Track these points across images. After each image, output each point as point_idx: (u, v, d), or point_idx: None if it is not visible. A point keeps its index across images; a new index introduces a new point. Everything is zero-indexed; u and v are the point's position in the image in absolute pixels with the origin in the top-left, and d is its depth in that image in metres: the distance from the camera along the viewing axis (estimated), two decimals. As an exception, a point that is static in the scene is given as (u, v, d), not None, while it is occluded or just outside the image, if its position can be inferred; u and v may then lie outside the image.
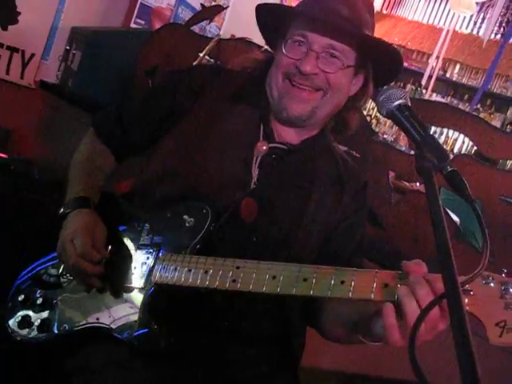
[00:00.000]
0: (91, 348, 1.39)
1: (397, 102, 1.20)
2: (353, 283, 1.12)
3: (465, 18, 6.92)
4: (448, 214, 2.03)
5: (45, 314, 1.46)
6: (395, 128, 7.03)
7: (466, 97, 6.92)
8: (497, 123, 6.65)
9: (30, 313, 1.48)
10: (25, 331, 1.45)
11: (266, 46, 1.89)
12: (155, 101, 1.68)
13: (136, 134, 1.68)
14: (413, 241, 2.06)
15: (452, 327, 0.75)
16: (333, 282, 1.13)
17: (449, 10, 6.98)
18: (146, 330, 1.31)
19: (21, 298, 1.50)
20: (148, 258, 1.40)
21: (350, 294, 1.12)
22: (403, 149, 4.60)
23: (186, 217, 1.39)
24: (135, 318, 1.33)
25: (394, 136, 6.62)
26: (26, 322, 1.46)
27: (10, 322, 1.48)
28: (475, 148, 5.74)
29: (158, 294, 1.35)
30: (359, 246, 1.61)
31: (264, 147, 1.53)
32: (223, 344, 1.44)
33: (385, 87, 1.26)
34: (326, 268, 1.16)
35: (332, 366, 2.29)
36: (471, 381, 0.63)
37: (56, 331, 1.42)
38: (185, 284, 1.29)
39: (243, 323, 1.44)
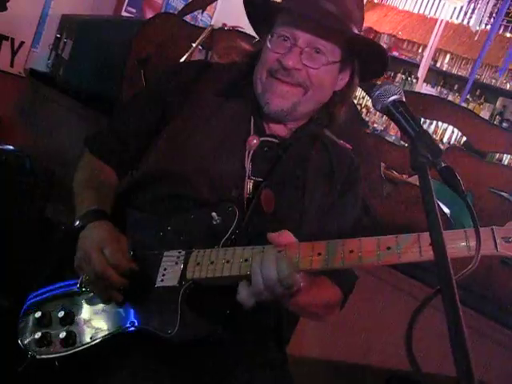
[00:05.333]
0: (118, 361, 1.39)
1: (391, 98, 1.21)
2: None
3: (455, 8, 6.93)
4: (439, 205, 2.05)
5: (67, 329, 1.42)
6: (385, 117, 7.07)
7: (455, 87, 6.96)
8: (486, 114, 6.70)
9: (50, 330, 1.44)
10: (46, 349, 1.42)
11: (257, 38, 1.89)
12: (146, 108, 1.67)
13: (134, 145, 1.68)
14: (404, 233, 2.08)
15: (448, 323, 0.77)
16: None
17: (440, 0, 6.97)
18: (186, 325, 1.33)
19: (38, 315, 1.46)
20: (179, 257, 1.41)
21: None
22: (393, 138, 4.64)
23: (214, 214, 1.41)
24: (174, 316, 1.34)
25: (384, 125, 6.65)
26: (45, 340, 1.42)
27: (26, 341, 1.44)
28: (464, 138, 5.78)
29: (194, 290, 1.37)
30: (357, 224, 1.64)
31: (255, 141, 1.55)
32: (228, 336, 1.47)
33: (380, 82, 1.28)
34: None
35: (320, 354, 2.31)
36: (467, 376, 0.65)
37: (83, 343, 1.40)
38: (225, 274, 1.31)
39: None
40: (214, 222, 1.42)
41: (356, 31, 1.51)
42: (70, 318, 1.43)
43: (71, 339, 1.40)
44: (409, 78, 7.33)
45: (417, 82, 6.82)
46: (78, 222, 1.48)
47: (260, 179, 1.54)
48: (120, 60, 3.02)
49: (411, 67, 7.27)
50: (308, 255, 1.25)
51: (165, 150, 1.59)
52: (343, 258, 1.23)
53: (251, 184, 1.54)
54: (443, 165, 1.09)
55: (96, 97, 3.08)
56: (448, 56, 7.29)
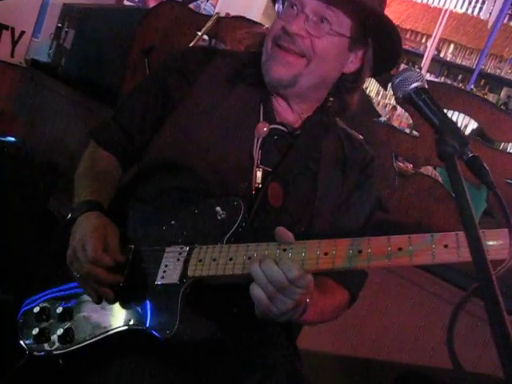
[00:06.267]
0: (115, 361, 1.34)
1: (413, 85, 1.16)
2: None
3: (460, -4, 6.85)
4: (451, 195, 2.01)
5: (65, 325, 1.37)
6: (388, 108, 7.03)
7: (459, 77, 6.90)
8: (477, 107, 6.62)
9: (48, 326, 1.39)
10: (44, 345, 1.37)
11: (266, 26, 1.84)
12: (150, 96, 1.61)
13: (139, 135, 1.62)
14: (417, 224, 2.04)
15: (491, 323, 0.72)
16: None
17: (444, -11, 6.89)
18: (186, 326, 1.26)
19: (36, 310, 1.42)
20: (180, 253, 1.34)
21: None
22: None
23: (218, 209, 1.35)
24: (173, 316, 1.27)
25: (388, 116, 6.60)
26: (43, 336, 1.37)
27: (24, 338, 1.40)
28: (469, 130, 5.73)
29: (195, 288, 1.30)
30: (368, 221, 1.58)
31: (265, 128, 1.49)
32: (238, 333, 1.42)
33: (400, 69, 1.23)
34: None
35: (333, 349, 2.28)
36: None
37: (81, 341, 1.35)
38: (227, 273, 1.24)
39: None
40: (219, 217, 1.35)
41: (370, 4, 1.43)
42: (69, 315, 1.38)
43: (69, 336, 1.35)
44: (412, 68, 7.26)
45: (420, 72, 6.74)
46: (69, 216, 1.42)
47: (269, 169, 1.48)
48: (123, 49, 2.96)
49: (414, 57, 7.19)
50: (314, 255, 1.18)
51: (168, 139, 1.53)
52: (350, 259, 1.16)
53: (260, 173, 1.47)
54: (470, 155, 1.04)
55: (98, 87, 3.02)
56: (452, 46, 7.22)
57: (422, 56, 6.79)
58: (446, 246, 1.09)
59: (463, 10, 7.12)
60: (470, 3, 7.08)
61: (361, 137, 1.68)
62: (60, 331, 1.35)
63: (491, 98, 6.69)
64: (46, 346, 1.37)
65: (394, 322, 2.18)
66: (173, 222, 1.41)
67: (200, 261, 1.29)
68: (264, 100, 1.53)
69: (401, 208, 2.10)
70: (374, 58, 1.51)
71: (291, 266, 1.15)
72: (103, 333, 1.34)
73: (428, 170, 2.21)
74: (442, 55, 7.21)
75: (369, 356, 2.21)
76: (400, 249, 1.13)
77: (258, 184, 1.46)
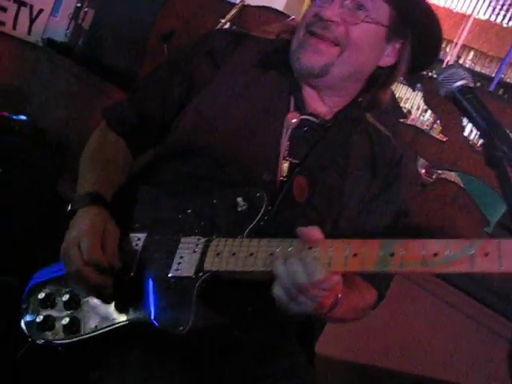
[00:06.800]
0: (122, 356, 1.27)
1: (459, 83, 1.10)
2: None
3: (483, 3, 6.74)
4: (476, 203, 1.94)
5: (71, 314, 1.31)
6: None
7: (477, 85, 6.80)
8: (509, 113, 6.53)
9: (53, 313, 1.32)
10: (48, 334, 1.30)
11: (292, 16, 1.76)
12: (172, 76, 1.52)
13: (156, 119, 1.52)
14: (439, 232, 1.97)
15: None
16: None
17: (467, -6, 6.78)
18: (200, 322, 1.19)
19: (41, 296, 1.34)
20: (197, 245, 1.27)
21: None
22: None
23: (239, 199, 1.28)
24: (187, 311, 1.20)
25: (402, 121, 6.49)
26: (47, 324, 1.31)
27: (28, 324, 1.33)
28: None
29: (212, 283, 1.23)
30: (394, 223, 1.51)
31: (295, 119, 1.42)
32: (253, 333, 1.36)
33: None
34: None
35: (341, 355, 2.21)
36: None
37: (86, 332, 1.28)
38: (247, 269, 1.17)
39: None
40: (240, 209, 1.29)
41: None
42: (75, 303, 1.32)
43: (74, 326, 1.29)
44: (429, 74, 7.17)
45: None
46: (69, 208, 1.34)
47: (296, 161, 1.41)
48: (143, 34, 2.90)
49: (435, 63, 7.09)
50: (342, 255, 1.10)
51: (191, 123, 1.45)
52: (381, 261, 1.07)
53: (286, 165, 1.41)
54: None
55: (115, 71, 2.96)
56: (472, 53, 7.12)
57: (441, 61, 6.68)
58: (486, 255, 1.00)
59: (486, 16, 7.00)
60: (493, 10, 6.96)
61: (388, 133, 1.61)
62: (66, 320, 1.29)
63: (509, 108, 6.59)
64: (50, 335, 1.30)
65: (407, 330, 2.11)
66: (189, 211, 1.34)
67: (218, 254, 1.22)
68: (294, 89, 1.46)
69: (422, 213, 2.03)
70: (412, 52, 1.43)
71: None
72: (111, 325, 1.27)
73: (451, 176, 2.14)
74: (461, 61, 7.11)
75: (379, 364, 2.14)
76: (436, 254, 1.04)
77: (283, 177, 1.39)
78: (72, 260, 1.24)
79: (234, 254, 1.20)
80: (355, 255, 1.09)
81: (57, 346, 1.30)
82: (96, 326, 1.27)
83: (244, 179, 1.37)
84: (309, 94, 1.46)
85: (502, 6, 6.92)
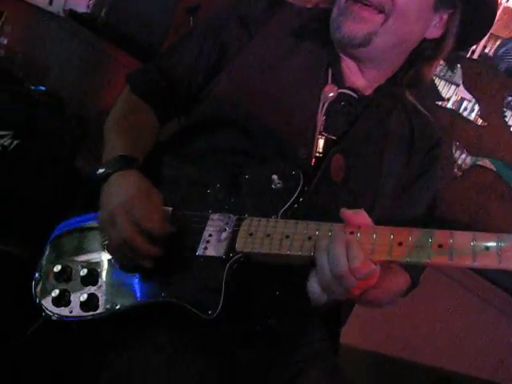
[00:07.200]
0: (141, 337, 1.18)
1: (522, 56, 0.99)
2: None
3: (513, -9, 6.55)
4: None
5: (90, 290, 1.22)
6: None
7: (503, 76, 6.65)
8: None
9: (69, 287, 1.23)
10: (63, 310, 1.21)
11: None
12: (204, 42, 1.43)
13: (185, 86, 1.43)
14: (469, 221, 1.88)
15: None
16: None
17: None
18: (231, 308, 1.10)
19: (57, 269, 1.25)
20: (227, 223, 1.18)
21: None
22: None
23: (274, 177, 1.20)
24: (216, 294, 1.11)
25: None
26: (63, 299, 1.21)
27: (41, 298, 1.24)
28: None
29: (243, 265, 1.13)
30: (430, 210, 1.43)
31: (332, 93, 1.34)
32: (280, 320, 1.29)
33: (504, 39, 1.06)
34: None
35: (364, 344, 2.14)
36: None
37: (107, 309, 1.19)
38: (283, 252, 1.07)
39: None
40: (274, 187, 1.20)
41: None
42: (94, 279, 1.23)
43: (93, 303, 1.20)
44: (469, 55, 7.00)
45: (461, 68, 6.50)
46: (101, 170, 1.25)
47: (332, 137, 1.34)
48: (169, 6, 2.80)
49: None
50: (386, 244, 1.00)
51: (222, 93, 1.37)
52: (430, 252, 0.97)
53: (322, 141, 1.33)
54: None
55: (139, 45, 2.87)
56: (498, 42, 6.93)
57: (467, 50, 6.52)
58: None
59: (514, 5, 6.82)
60: (522, -1, 6.78)
61: (428, 114, 1.52)
62: (84, 296, 1.20)
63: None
64: (65, 311, 1.21)
65: (434, 322, 2.03)
66: (219, 186, 1.26)
67: (251, 234, 1.13)
68: (332, 61, 1.37)
69: (456, 201, 1.94)
70: (462, 24, 1.33)
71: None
72: (132, 304, 1.18)
73: (486, 163, 2.04)
74: (486, 50, 6.94)
75: (403, 356, 2.06)
76: (487, 248, 0.94)
77: (319, 153, 1.31)
78: (122, 228, 1.14)
79: (268, 236, 1.10)
80: (400, 244, 0.99)
81: (73, 322, 1.21)
82: (117, 304, 1.19)
83: (278, 154, 1.29)
84: (348, 66, 1.37)
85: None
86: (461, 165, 2.19)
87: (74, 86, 3.11)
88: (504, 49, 1.06)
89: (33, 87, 2.71)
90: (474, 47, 6.31)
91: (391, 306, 1.37)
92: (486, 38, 6.40)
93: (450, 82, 3.16)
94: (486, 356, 1.90)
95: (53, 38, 3.36)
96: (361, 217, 1.05)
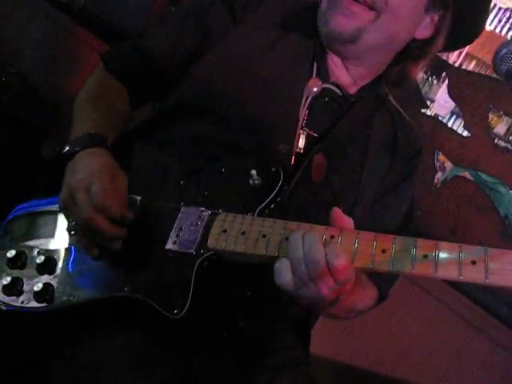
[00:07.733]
0: (98, 333, 1.10)
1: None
2: None
3: (491, 13, 6.68)
4: (496, 209, 1.83)
5: (45, 279, 1.12)
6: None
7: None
8: (503, 127, 6.49)
9: (22, 275, 1.14)
10: (14, 299, 1.12)
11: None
12: (185, 24, 1.38)
13: (162, 68, 1.38)
14: (450, 232, 1.85)
15: None
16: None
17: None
18: (197, 306, 1.03)
19: (11, 254, 1.15)
20: (200, 217, 1.10)
21: None
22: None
23: (253, 172, 1.13)
24: (184, 292, 1.03)
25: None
26: (15, 288, 1.12)
27: None
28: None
29: (214, 263, 1.07)
30: (406, 220, 1.40)
31: (316, 87, 1.31)
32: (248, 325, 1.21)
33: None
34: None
35: (330, 356, 2.08)
36: None
37: (62, 302, 1.10)
38: (258, 252, 1.01)
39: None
40: (251, 183, 1.14)
41: None
42: (51, 267, 1.14)
43: (47, 294, 1.10)
44: (430, 79, 7.10)
45: (437, 83, 6.58)
46: (67, 148, 1.17)
47: (314, 134, 1.30)
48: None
49: (436, 68, 7.03)
50: (369, 249, 0.94)
51: (202, 80, 1.32)
52: (414, 262, 0.91)
53: (304, 137, 1.29)
54: None
55: (117, 32, 2.78)
56: (474, 62, 7.05)
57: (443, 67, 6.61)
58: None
59: (491, 27, 6.95)
60: (499, 21, 6.91)
61: (412, 122, 1.49)
62: (38, 286, 1.10)
63: (505, 120, 6.54)
64: (17, 301, 1.12)
65: (404, 334, 1.99)
66: (193, 177, 1.19)
67: (225, 231, 1.06)
68: (318, 55, 1.34)
69: (434, 211, 1.91)
70: (452, 26, 1.32)
71: (340, 253, 0.92)
72: (91, 297, 1.10)
73: (466, 174, 2.02)
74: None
75: (369, 369, 2.01)
76: (474, 262, 0.88)
77: (300, 149, 1.28)
78: (81, 206, 1.07)
79: (243, 234, 1.04)
80: (384, 251, 0.93)
81: (24, 314, 1.11)
82: (74, 297, 1.09)
83: (258, 148, 1.24)
84: (334, 61, 1.34)
85: (508, 18, 6.88)
86: (442, 175, 2.18)
87: (45, 69, 3.00)
88: (504, 51, 1.04)
89: (2, 70, 2.59)
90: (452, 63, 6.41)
91: (354, 319, 1.32)
92: (462, 57, 6.53)
93: (426, 97, 3.18)
94: (457, 369, 1.87)
95: (25, 22, 3.23)
96: (348, 222, 0.99)
